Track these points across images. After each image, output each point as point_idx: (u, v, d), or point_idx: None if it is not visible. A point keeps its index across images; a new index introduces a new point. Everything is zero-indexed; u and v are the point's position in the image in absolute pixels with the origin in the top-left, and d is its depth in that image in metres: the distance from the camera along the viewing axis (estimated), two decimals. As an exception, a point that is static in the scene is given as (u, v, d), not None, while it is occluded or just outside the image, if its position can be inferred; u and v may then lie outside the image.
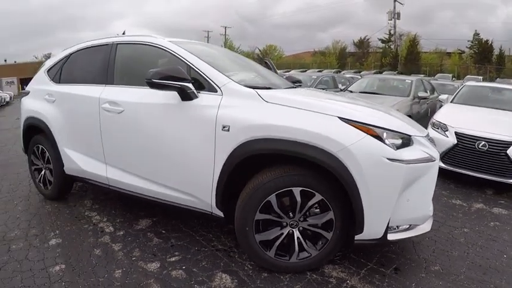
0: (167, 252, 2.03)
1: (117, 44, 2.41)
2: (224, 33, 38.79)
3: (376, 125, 1.61)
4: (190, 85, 1.81)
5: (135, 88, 2.18)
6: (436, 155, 1.82)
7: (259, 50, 36.17)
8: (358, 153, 1.53)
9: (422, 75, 20.75)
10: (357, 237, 1.66)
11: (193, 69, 1.93)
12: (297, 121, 1.61)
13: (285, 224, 1.75)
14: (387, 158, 1.55)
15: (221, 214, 1.89)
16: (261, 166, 1.77)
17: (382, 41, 33.25)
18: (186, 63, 1.97)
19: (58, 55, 3.01)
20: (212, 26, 66.47)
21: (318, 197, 1.68)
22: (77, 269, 1.88)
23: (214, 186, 1.81)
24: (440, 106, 6.15)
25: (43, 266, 1.91)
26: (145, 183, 2.13)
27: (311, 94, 2.23)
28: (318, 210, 1.74)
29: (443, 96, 5.64)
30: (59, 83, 2.80)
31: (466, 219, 2.56)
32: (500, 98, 4.33)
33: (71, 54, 2.80)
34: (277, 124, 1.63)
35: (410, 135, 1.71)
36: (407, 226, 1.75)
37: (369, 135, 1.57)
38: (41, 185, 2.96)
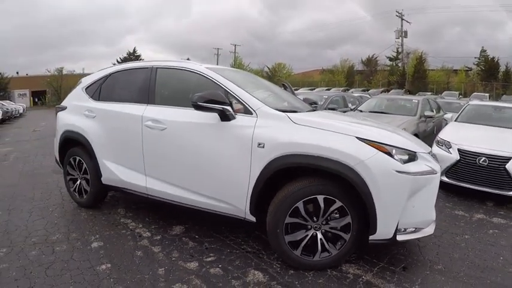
0: (203, 254, 2.33)
1: (157, 68, 2.80)
2: (234, 51, 40.23)
3: (386, 143, 1.99)
4: (229, 108, 2.20)
5: (176, 108, 2.56)
6: (438, 169, 2.18)
7: (268, 68, 38.47)
8: (372, 167, 1.90)
9: (430, 93, 21.24)
10: (371, 237, 2.00)
11: (231, 93, 2.32)
12: (322, 140, 1.99)
13: (309, 226, 2.09)
14: (396, 171, 1.92)
15: (253, 219, 2.23)
16: (288, 177, 2.11)
17: (390, 59, 34.13)
18: (224, 88, 2.37)
19: (95, 74, 3.37)
20: (222, 43, 68.87)
21: (338, 204, 2.02)
22: (122, 267, 2.15)
23: (249, 195, 2.16)
24: (446, 124, 6.55)
25: (89, 265, 2.18)
26: (183, 192, 2.47)
27: (330, 117, 2.59)
28: (338, 215, 2.08)
29: (448, 115, 6.06)
30: (99, 100, 3.13)
31: (467, 227, 2.87)
32: (502, 116, 4.72)
33: (110, 74, 3.17)
34: (305, 142, 2.01)
35: (415, 152, 2.09)
36: (414, 229, 2.07)
37: (380, 152, 1.94)
38: (76, 193, 3.27)
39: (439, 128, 5.99)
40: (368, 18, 58.81)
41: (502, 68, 27.21)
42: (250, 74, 3.57)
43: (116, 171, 2.86)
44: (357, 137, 1.99)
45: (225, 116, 2.21)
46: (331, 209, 2.05)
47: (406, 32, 32.18)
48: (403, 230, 2.03)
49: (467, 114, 4.91)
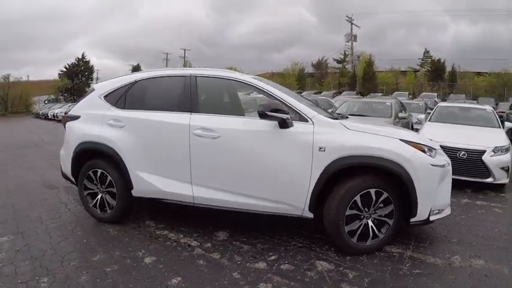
0: (263, 254, 2.52)
1: (196, 76, 2.89)
2: (184, 55, 41.69)
3: (421, 143, 2.53)
4: (289, 116, 2.49)
5: (226, 117, 2.74)
6: (449, 161, 2.86)
7: None
8: (415, 162, 2.39)
9: (380, 94, 23.91)
10: (411, 220, 2.50)
11: (284, 103, 2.59)
12: (375, 142, 2.42)
13: (362, 216, 2.50)
14: (431, 164, 2.46)
15: (311, 216, 2.54)
16: (343, 175, 2.49)
17: (338, 62, 37.32)
18: (276, 98, 2.63)
19: (115, 81, 3.27)
20: (169, 47, 68.11)
21: (385, 195, 2.47)
22: (194, 278, 2.19)
23: (309, 194, 2.46)
24: (412, 124, 7.73)
25: (158, 281, 2.16)
26: (238, 197, 2.64)
27: (367, 123, 3.03)
28: (382, 204, 2.53)
29: (421, 116, 7.25)
30: (125, 108, 3.05)
31: (460, 210, 3.58)
32: (468, 116, 5.83)
33: (136, 81, 3.11)
34: (361, 145, 2.41)
35: (436, 149, 2.70)
36: (438, 211, 2.63)
37: (418, 150, 2.48)
38: (97, 209, 3.13)
39: (407, 128, 6.89)
40: (315, 22, 63.84)
41: (448, 69, 31.23)
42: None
43: (154, 182, 2.85)
44: (400, 139, 2.49)
45: (284, 124, 2.47)
46: (380, 199, 2.50)
47: (355, 36, 35.82)
48: (432, 212, 2.68)
49: (438, 115, 5.93)
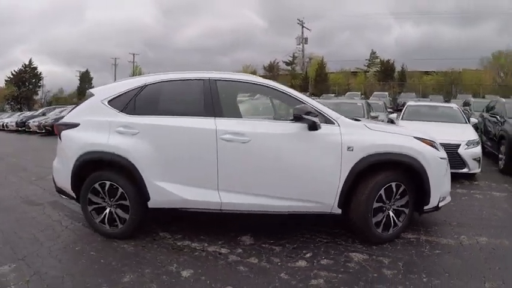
0: (297, 253, 2.70)
1: (216, 80, 2.97)
2: (133, 60, 41.91)
3: (431, 140, 3.01)
4: (318, 119, 2.73)
5: (253, 120, 2.90)
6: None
7: None
8: (428, 156, 2.83)
9: (333, 95, 25.77)
10: (425, 208, 2.93)
11: (310, 106, 2.80)
12: (395, 141, 2.82)
13: (385, 208, 2.86)
14: (439, 157, 2.94)
15: (339, 211, 2.81)
16: (367, 172, 2.80)
17: (286, 64, 39.51)
18: (303, 101, 2.85)
19: (120, 85, 3.19)
20: (116, 51, 67.55)
21: (402, 187, 2.86)
22: (245, 285, 2.27)
23: (339, 192, 2.72)
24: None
25: None
26: (267, 200, 2.78)
27: (380, 123, 3.48)
28: (399, 196, 2.92)
29: (393, 115, 8.12)
30: (135, 114, 2.98)
31: None
32: (437, 113, 6.68)
33: (145, 85, 3.06)
34: (385, 143, 2.78)
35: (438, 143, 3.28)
36: (442, 198, 3.16)
37: (428, 146, 2.93)
38: (106, 225, 3.00)
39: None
40: (263, 25, 67.32)
41: (398, 69, 34.57)
42: None
43: (176, 191, 2.84)
44: (414, 137, 2.92)
45: (314, 126, 2.71)
46: (399, 191, 2.88)
47: (306, 39, 37.99)
48: (440, 199, 3.13)
49: (409, 113, 6.75)
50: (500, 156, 5.73)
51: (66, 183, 3.11)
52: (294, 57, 39.49)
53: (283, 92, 2.98)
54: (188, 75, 3.15)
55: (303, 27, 36.63)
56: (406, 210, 2.97)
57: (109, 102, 3.09)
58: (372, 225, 2.81)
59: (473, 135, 5.36)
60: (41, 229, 3.28)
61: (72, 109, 3.45)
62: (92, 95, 3.26)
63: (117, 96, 3.10)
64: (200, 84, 3.00)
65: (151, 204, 2.92)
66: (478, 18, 50.43)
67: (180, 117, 2.93)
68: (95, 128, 3.03)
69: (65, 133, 3.14)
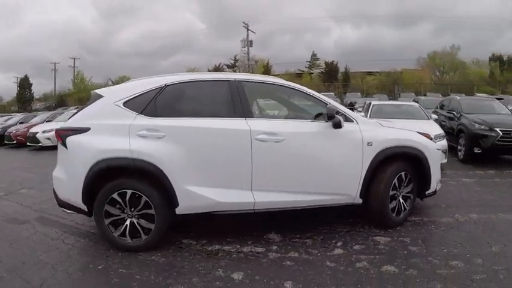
0: (329, 244, 3.06)
1: (242, 81, 3.18)
2: (73, 65, 41.94)
3: (429, 134, 3.70)
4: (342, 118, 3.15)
5: (283, 120, 3.21)
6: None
7: (112, 82, 40.68)
8: (429, 148, 3.46)
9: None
10: (426, 192, 3.56)
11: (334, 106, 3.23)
12: (404, 136, 3.40)
13: (396, 195, 3.40)
14: (436, 148, 3.66)
15: (360, 201, 3.26)
16: (382, 164, 3.28)
17: (228, 67, 40.76)
18: (325, 102, 3.24)
19: (136, 86, 3.19)
20: (53, 56, 63.61)
21: (409, 176, 3.44)
22: (301, 277, 2.50)
23: (361, 183, 3.17)
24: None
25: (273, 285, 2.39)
26: (298, 196, 3.09)
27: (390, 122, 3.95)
28: (406, 184, 3.51)
29: (361, 114, 9.05)
30: (158, 116, 3.00)
31: None
32: (401, 111, 7.63)
33: (166, 85, 3.10)
34: (397, 138, 3.33)
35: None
36: (438, 183, 3.89)
37: (428, 139, 3.60)
38: (126, 238, 2.96)
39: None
40: (205, 28, 68.52)
41: (341, 70, 37.62)
42: None
43: (208, 194, 2.95)
44: (417, 132, 3.56)
45: (339, 125, 3.11)
46: (406, 180, 3.47)
47: (251, 41, 39.31)
48: (437, 185, 3.82)
49: (376, 112, 7.65)
50: (459, 147, 6.86)
51: (74, 195, 2.99)
52: (235, 60, 41.49)
53: (305, 93, 3.36)
54: (211, 76, 3.36)
55: (248, 30, 38.08)
56: (412, 196, 3.56)
57: (124, 104, 3.06)
58: (389, 211, 3.34)
59: (439, 130, 6.38)
60: (44, 250, 3.10)
61: (76, 112, 3.32)
62: (100, 96, 3.18)
63: (133, 98, 3.08)
64: (225, 85, 3.18)
65: (180, 210, 2.97)
66: (414, 20, 57.91)
67: (209, 118, 3.06)
68: (110, 132, 2.98)
69: (72, 139, 3.01)
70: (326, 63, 39.27)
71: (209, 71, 41.55)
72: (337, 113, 3.15)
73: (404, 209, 3.50)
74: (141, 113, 3.03)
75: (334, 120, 3.11)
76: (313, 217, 3.65)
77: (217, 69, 41.33)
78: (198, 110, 3.18)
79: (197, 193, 2.96)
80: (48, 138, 11.28)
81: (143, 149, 2.91)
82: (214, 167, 3.00)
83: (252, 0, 62.83)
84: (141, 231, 3.00)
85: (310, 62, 42.89)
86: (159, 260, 2.89)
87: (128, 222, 3.00)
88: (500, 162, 6.75)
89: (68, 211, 3.30)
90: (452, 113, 7.56)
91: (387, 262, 2.72)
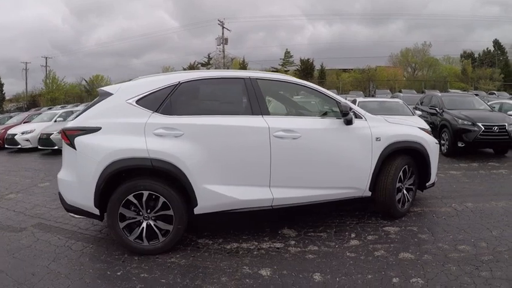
0: (344, 236, 3.28)
1: (256, 79, 3.28)
2: (45, 65, 41.69)
3: (427, 128, 4.05)
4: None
5: (297, 117, 3.38)
6: None
7: (86, 81, 42.01)
8: (429, 142, 3.79)
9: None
10: (427, 184, 3.91)
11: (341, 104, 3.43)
12: (409, 131, 3.68)
13: (401, 187, 3.70)
14: (435, 142, 3.97)
15: (369, 194, 3.51)
16: (388, 158, 3.57)
17: (202, 65, 41.13)
18: (335, 100, 3.45)
19: (148, 83, 3.18)
20: (23, 56, 61.26)
21: (411, 169, 3.75)
22: (328, 268, 2.69)
23: (370, 176, 3.42)
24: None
25: (303, 280, 2.53)
26: (314, 191, 3.27)
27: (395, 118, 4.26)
28: (409, 176, 3.86)
29: None
30: (174, 114, 3.03)
31: None
32: (386, 107, 8.12)
33: (180, 83, 3.13)
34: (402, 133, 3.60)
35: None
36: (436, 176, 4.28)
37: (427, 134, 3.93)
38: (142, 241, 2.97)
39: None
40: (178, 27, 69.60)
41: (317, 67, 38.83)
42: None
43: (228, 192, 3.03)
44: (418, 127, 3.89)
45: (350, 121, 3.35)
46: (409, 172, 3.79)
47: (226, 39, 39.50)
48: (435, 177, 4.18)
49: (362, 108, 8.13)
50: (442, 142, 7.40)
51: (85, 198, 2.95)
52: (209, 58, 41.98)
53: (317, 91, 3.56)
54: (225, 73, 3.44)
55: (223, 27, 38.41)
56: (413, 188, 3.88)
57: (137, 102, 3.05)
58: (396, 202, 3.63)
59: (425, 125, 6.84)
60: (51, 259, 3.03)
61: (84, 111, 3.23)
62: (109, 94, 3.14)
63: (146, 95, 3.08)
64: (240, 82, 3.27)
65: (198, 210, 3.03)
66: (386, 18, 60.53)
67: (226, 116, 3.15)
68: (124, 131, 2.96)
69: (81, 139, 2.96)
70: (302, 61, 40.26)
71: (184, 69, 42.07)
72: (350, 109, 3.38)
73: (408, 200, 3.81)
74: (156, 111, 3.04)
75: (347, 117, 3.33)
76: (319, 212, 3.87)
77: (192, 67, 41.76)
78: (214, 107, 3.26)
79: (216, 192, 3.03)
80: (27, 140, 10.90)
81: (161, 148, 2.92)
82: (234, 164, 3.09)
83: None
84: (159, 233, 3.02)
85: (283, 59, 44.04)
86: (180, 261, 2.93)
87: (144, 224, 3.01)
88: (480, 155, 7.39)
89: (76, 216, 3.24)
90: (435, 109, 8.12)
91: (402, 250, 2.98)
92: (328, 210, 3.91)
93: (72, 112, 12.78)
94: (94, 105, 3.18)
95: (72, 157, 3.04)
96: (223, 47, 39.20)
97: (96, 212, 2.99)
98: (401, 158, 3.66)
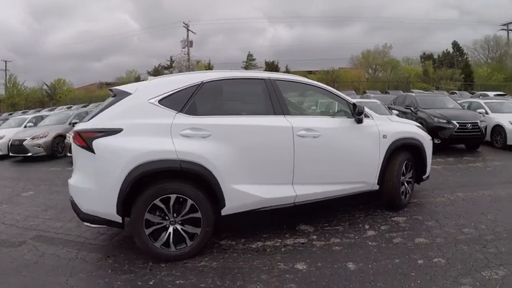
0: (358, 228, 3.62)
1: (275, 79, 3.52)
2: (5, 68, 41.37)
3: (422, 127, 4.61)
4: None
5: (315, 117, 3.70)
6: None
7: (47, 85, 41.90)
8: (425, 138, 4.33)
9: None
10: (423, 177, 4.44)
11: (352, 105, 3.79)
12: (410, 129, 4.18)
13: (403, 180, 4.18)
14: (429, 139, 4.50)
15: (377, 188, 3.92)
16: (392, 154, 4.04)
17: (165, 68, 41.52)
18: (348, 101, 3.81)
19: (168, 82, 3.27)
20: None
21: (410, 163, 4.24)
22: (358, 257, 2.99)
23: (379, 171, 3.83)
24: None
25: (336, 265, 2.83)
26: (332, 186, 3.57)
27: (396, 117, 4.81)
28: (408, 170, 4.38)
29: None
30: (199, 115, 3.12)
31: None
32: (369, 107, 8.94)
33: (203, 83, 3.24)
34: (404, 130, 4.09)
35: None
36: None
37: (422, 131, 4.47)
38: (170, 247, 2.99)
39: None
40: (140, 30, 69.46)
41: (282, 69, 39.80)
42: None
43: (254, 192, 3.20)
44: (415, 125, 4.42)
45: (362, 120, 3.73)
46: (409, 167, 4.29)
47: (191, 42, 39.66)
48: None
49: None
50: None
51: (106, 206, 2.90)
52: (172, 61, 42.49)
53: (331, 92, 3.91)
54: (246, 73, 3.66)
55: (188, 30, 38.39)
56: (412, 181, 4.39)
57: (160, 102, 3.08)
58: (401, 194, 4.08)
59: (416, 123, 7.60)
60: (67, 275, 2.89)
61: (99, 112, 3.15)
62: (127, 93, 3.13)
63: (169, 95, 3.12)
64: (261, 83, 3.49)
65: (226, 211, 3.14)
66: (347, 20, 63.97)
67: (251, 116, 3.34)
68: (149, 132, 2.98)
69: (101, 142, 2.91)
70: (266, 63, 41.24)
71: (148, 72, 42.20)
72: (363, 109, 3.78)
73: (408, 192, 4.30)
74: (180, 112, 3.09)
75: (360, 116, 3.72)
76: (328, 207, 4.18)
77: (156, 70, 42.12)
78: (237, 107, 3.43)
79: (244, 191, 3.17)
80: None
81: (189, 150, 2.98)
82: (260, 164, 3.26)
83: (187, 1, 66.16)
84: (187, 237, 3.06)
85: (246, 62, 45.33)
86: (211, 264, 3.00)
87: (171, 229, 3.04)
88: (454, 151, 8.30)
89: (93, 225, 3.21)
90: (410, 108, 8.93)
91: (416, 236, 3.41)
92: (336, 205, 4.24)
93: (42, 117, 12.17)
94: (111, 105, 3.13)
95: (89, 161, 2.96)
96: (188, 49, 39.25)
97: (118, 219, 2.95)
98: (403, 153, 4.13)
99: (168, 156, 2.94)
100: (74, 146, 3.19)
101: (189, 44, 39.06)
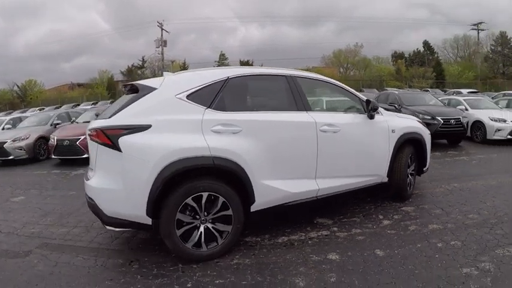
0: (373, 219, 3.94)
1: (296, 76, 3.74)
2: None
3: (421, 121, 5.06)
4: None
5: (334, 113, 4.00)
6: None
7: (18, 87, 41.10)
8: (425, 132, 4.78)
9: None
10: (424, 169, 4.90)
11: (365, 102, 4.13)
12: (413, 123, 4.61)
13: (408, 172, 4.56)
14: (428, 133, 4.98)
15: (387, 180, 4.28)
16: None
17: (137, 68, 41.76)
18: (360, 98, 4.14)
19: (194, 77, 3.36)
20: None
21: (414, 156, 4.69)
22: (383, 245, 3.23)
23: (388, 164, 4.19)
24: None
25: (363, 254, 3.06)
26: (348, 180, 3.86)
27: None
28: (412, 163, 4.80)
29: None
30: (227, 110, 3.21)
31: None
32: (336, 106, 9.35)
33: (229, 78, 3.34)
34: (410, 125, 4.50)
35: None
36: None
37: (422, 125, 4.93)
38: (201, 248, 3.02)
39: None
40: (111, 30, 70.04)
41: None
42: None
43: (282, 187, 3.37)
44: (417, 121, 4.87)
45: (373, 117, 4.07)
46: (413, 159, 4.71)
47: (165, 41, 39.55)
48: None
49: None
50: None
51: (134, 207, 2.88)
52: (143, 61, 42.78)
53: (345, 89, 4.22)
54: (269, 70, 3.82)
55: (162, 29, 38.26)
56: (414, 173, 4.84)
57: (187, 97, 3.11)
58: (407, 186, 4.51)
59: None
60: (92, 284, 2.81)
61: (122, 108, 3.07)
62: (153, 88, 3.12)
63: (196, 91, 3.16)
64: (283, 79, 3.69)
65: (255, 206, 3.27)
66: (318, 20, 65.97)
67: (276, 112, 3.52)
68: (179, 128, 2.99)
69: (128, 139, 2.88)
70: (241, 63, 41.49)
71: (121, 72, 42.95)
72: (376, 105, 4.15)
73: (411, 184, 4.74)
74: (209, 107, 3.14)
75: (374, 112, 4.08)
76: (338, 202, 4.47)
77: (130, 70, 42.48)
78: (262, 103, 3.60)
79: (273, 187, 3.33)
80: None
81: (222, 146, 3.04)
82: (288, 159, 3.46)
83: (159, 1, 65.30)
84: (218, 236, 3.12)
85: (218, 61, 45.64)
86: (244, 261, 3.09)
87: (202, 228, 3.07)
88: (438, 146, 8.93)
89: (117, 229, 3.14)
90: (394, 106, 9.56)
91: (429, 223, 3.81)
92: (345, 199, 4.51)
93: (20, 119, 11.68)
94: (134, 101, 3.08)
95: (115, 160, 2.90)
96: (161, 49, 38.94)
97: (148, 221, 2.92)
98: (408, 147, 4.55)
99: (201, 153, 2.98)
100: (93, 145, 3.11)
101: (163, 43, 38.76)
